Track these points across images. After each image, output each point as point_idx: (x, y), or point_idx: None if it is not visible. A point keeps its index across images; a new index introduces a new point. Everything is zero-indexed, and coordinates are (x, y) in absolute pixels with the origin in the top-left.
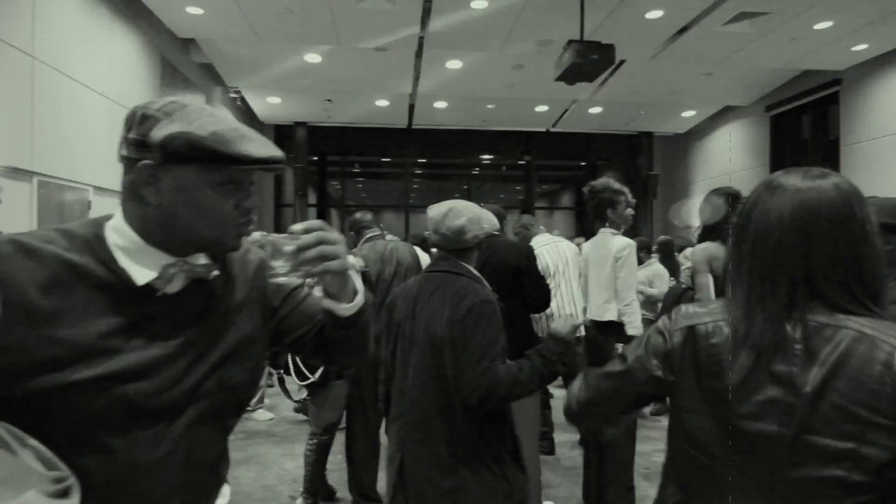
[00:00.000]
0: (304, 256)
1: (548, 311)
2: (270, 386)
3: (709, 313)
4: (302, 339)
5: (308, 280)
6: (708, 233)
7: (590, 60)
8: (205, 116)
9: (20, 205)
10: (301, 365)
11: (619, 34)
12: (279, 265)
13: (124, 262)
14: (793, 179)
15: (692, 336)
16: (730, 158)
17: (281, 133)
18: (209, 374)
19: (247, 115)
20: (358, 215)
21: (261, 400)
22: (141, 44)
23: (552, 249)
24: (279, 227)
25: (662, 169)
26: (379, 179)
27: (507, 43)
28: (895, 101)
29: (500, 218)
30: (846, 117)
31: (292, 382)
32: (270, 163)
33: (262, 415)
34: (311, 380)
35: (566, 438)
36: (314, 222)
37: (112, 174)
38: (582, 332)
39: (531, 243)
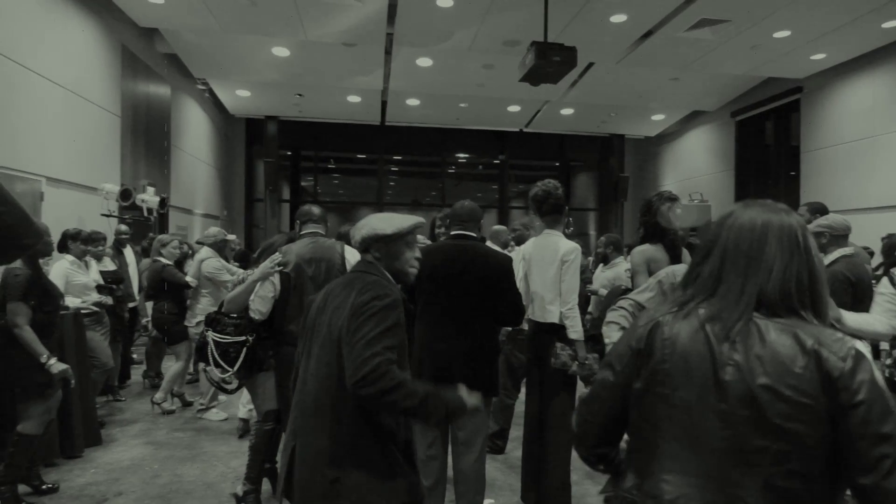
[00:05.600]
0: None
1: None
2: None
3: (665, 305)
4: None
5: None
6: (648, 235)
7: (552, 62)
8: None
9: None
10: (218, 357)
11: (584, 37)
12: None
13: None
14: (750, 212)
15: (655, 328)
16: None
17: (252, 127)
18: None
19: (216, 107)
20: (305, 207)
21: (214, 398)
22: (100, 32)
23: None
24: (250, 222)
25: (633, 171)
26: (354, 175)
27: (475, 42)
28: (852, 109)
29: (476, 217)
30: (806, 125)
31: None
32: None
33: (214, 415)
34: (230, 371)
35: (515, 434)
36: None
37: (68, 165)
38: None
39: (527, 243)
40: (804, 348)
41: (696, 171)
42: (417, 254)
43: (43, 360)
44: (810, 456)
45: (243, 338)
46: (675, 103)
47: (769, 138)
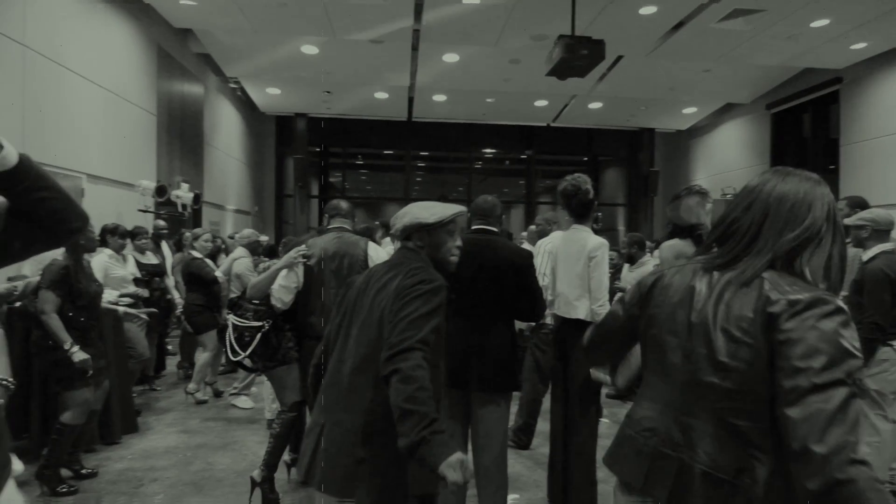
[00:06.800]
0: None
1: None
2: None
3: (673, 266)
4: (9, 234)
5: None
6: (678, 230)
7: (580, 56)
8: None
9: None
10: (234, 343)
11: (613, 30)
12: None
13: None
14: (791, 179)
15: (659, 279)
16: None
17: (282, 124)
18: None
19: (247, 105)
20: (334, 202)
21: (247, 387)
22: (137, 33)
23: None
24: (280, 218)
25: (664, 165)
26: (381, 171)
27: (502, 37)
28: (894, 100)
29: (497, 212)
30: (846, 116)
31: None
32: None
33: (243, 402)
34: (241, 355)
35: (540, 428)
36: None
37: (107, 162)
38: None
39: (551, 236)
40: (760, 293)
41: (729, 165)
42: (458, 243)
43: (66, 346)
44: (755, 396)
45: (260, 323)
46: (708, 96)
47: (806, 131)
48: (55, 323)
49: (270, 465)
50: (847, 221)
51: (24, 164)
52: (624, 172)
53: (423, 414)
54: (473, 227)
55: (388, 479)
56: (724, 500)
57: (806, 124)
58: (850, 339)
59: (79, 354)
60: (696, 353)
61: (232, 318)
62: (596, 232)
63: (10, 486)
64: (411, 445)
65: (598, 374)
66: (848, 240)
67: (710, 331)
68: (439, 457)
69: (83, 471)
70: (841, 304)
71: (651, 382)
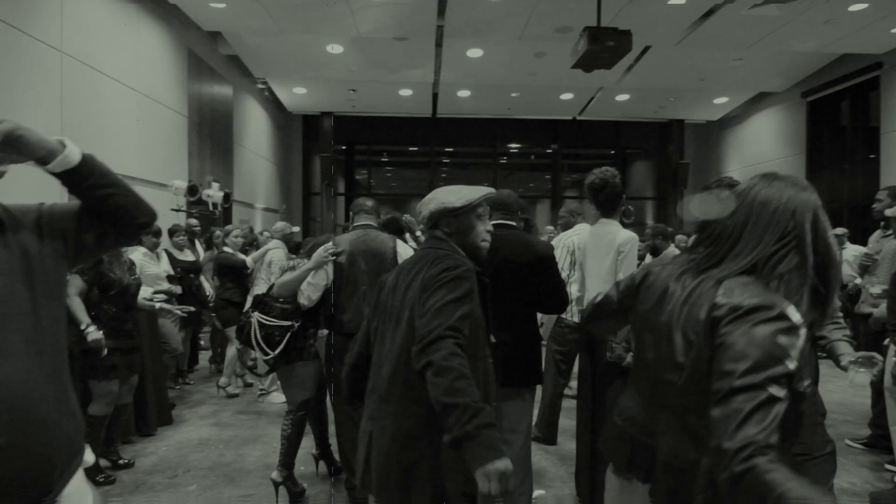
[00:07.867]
0: None
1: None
2: None
3: (663, 261)
4: (82, 230)
5: None
6: (707, 224)
7: (606, 47)
8: None
9: (50, 194)
10: (261, 340)
11: (640, 20)
12: None
13: None
14: (776, 184)
15: (647, 276)
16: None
17: (308, 123)
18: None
19: (275, 105)
20: (360, 200)
21: (273, 382)
22: (168, 37)
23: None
24: (307, 215)
25: (694, 157)
26: (406, 168)
27: (526, 30)
28: None
29: (514, 205)
30: (887, 103)
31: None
32: None
33: (276, 397)
34: (272, 355)
35: (567, 426)
36: None
37: (141, 163)
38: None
39: (574, 228)
40: (713, 298)
41: (762, 156)
42: (488, 227)
43: (82, 327)
44: (701, 395)
45: (289, 323)
46: (740, 85)
47: (845, 119)
48: (75, 304)
49: (287, 464)
50: (888, 213)
51: (88, 162)
52: (652, 165)
53: (465, 405)
54: (493, 222)
55: (442, 480)
56: (679, 487)
57: (844, 112)
58: (784, 346)
59: (93, 334)
60: (662, 352)
61: (257, 316)
62: (625, 226)
63: (80, 474)
64: (454, 440)
65: (618, 352)
66: (889, 232)
67: (673, 331)
68: (480, 459)
69: (121, 461)
70: (787, 311)
71: (635, 375)
